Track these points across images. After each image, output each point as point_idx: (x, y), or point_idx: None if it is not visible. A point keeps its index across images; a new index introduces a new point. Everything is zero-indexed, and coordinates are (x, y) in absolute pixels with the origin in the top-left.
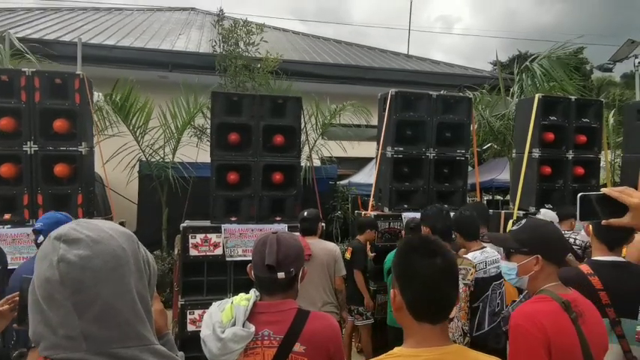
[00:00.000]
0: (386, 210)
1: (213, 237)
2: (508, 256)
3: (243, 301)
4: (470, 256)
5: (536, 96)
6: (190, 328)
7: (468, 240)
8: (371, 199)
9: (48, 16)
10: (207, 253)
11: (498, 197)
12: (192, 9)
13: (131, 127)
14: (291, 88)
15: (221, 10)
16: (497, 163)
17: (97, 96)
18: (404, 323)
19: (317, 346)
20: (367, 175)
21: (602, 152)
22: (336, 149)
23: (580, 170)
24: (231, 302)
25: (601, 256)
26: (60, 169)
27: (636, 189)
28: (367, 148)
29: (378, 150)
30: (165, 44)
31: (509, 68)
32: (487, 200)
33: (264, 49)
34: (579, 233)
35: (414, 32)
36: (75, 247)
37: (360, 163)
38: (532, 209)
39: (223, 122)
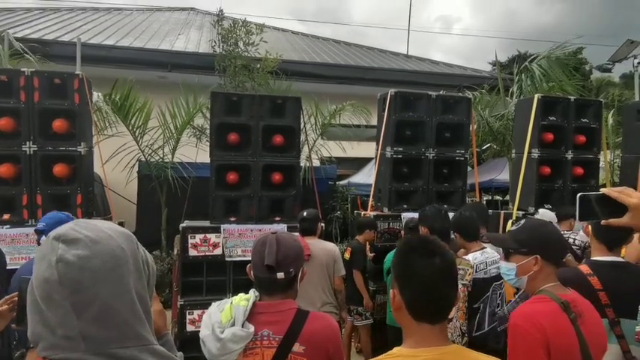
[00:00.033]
0: (385, 210)
1: (212, 237)
2: (507, 257)
3: (243, 301)
4: (470, 256)
5: (536, 96)
6: (189, 328)
7: (468, 240)
8: (370, 199)
9: (47, 16)
10: (207, 254)
11: (498, 197)
12: (192, 9)
13: (130, 127)
14: (290, 88)
15: (221, 11)
16: (496, 164)
17: (97, 96)
18: (403, 323)
19: (316, 346)
20: (366, 176)
21: (602, 152)
22: (335, 149)
23: (579, 170)
24: (231, 302)
25: (600, 257)
26: (59, 169)
27: (635, 189)
28: (366, 149)
29: (377, 150)
30: (165, 44)
31: (509, 68)
32: (486, 200)
33: (263, 49)
34: (578, 233)
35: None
36: (74, 248)
37: (360, 163)
38: (531, 209)
39: (223, 122)
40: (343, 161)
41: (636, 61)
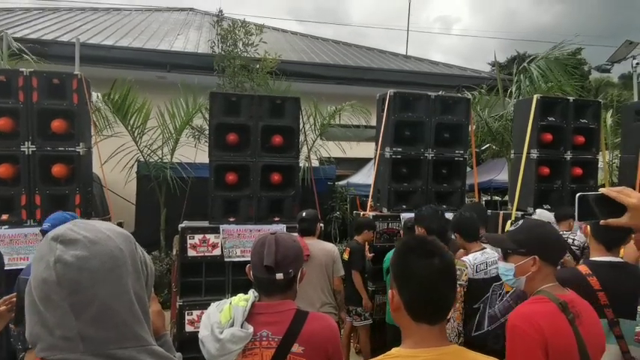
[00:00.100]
0: (384, 210)
1: (211, 237)
2: (505, 257)
3: (242, 301)
4: (470, 257)
5: (535, 97)
6: (188, 328)
7: (468, 241)
8: (369, 199)
9: (46, 16)
10: (206, 254)
11: (497, 198)
12: (191, 9)
13: (129, 128)
14: (289, 88)
15: (220, 11)
16: (495, 164)
17: (95, 96)
18: (402, 324)
19: (315, 346)
20: (366, 176)
21: (600, 153)
22: (334, 150)
23: (578, 171)
24: (230, 303)
25: (599, 257)
26: (58, 169)
27: (634, 189)
28: (366, 149)
29: (376, 150)
30: (164, 44)
31: (508, 69)
32: (485, 201)
33: (262, 50)
34: (577, 233)
35: (412, 33)
36: (72, 248)
37: (359, 163)
38: (530, 210)
39: (222, 123)
40: (342, 161)
41: (635, 61)
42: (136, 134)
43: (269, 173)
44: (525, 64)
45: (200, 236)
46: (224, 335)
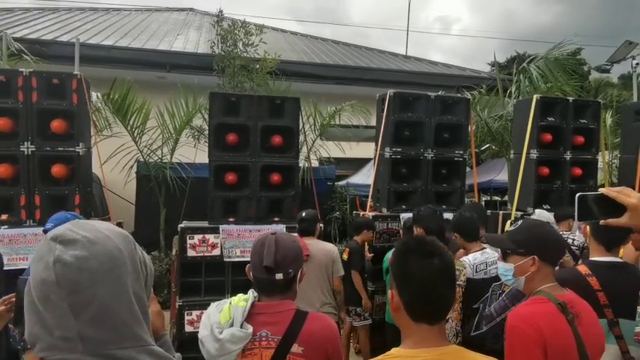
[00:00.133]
0: (384, 210)
1: (211, 238)
2: (504, 257)
3: (242, 301)
4: (470, 257)
5: (534, 97)
6: (188, 329)
7: (468, 241)
8: (369, 199)
9: (46, 16)
10: (205, 254)
11: (496, 198)
12: (191, 9)
13: (129, 128)
14: (289, 88)
15: (220, 11)
16: (495, 164)
17: (95, 96)
18: (402, 324)
19: (315, 347)
20: (365, 176)
21: (600, 153)
22: (334, 150)
23: (578, 171)
24: (230, 303)
25: (599, 257)
26: (57, 169)
27: (634, 189)
28: (365, 149)
29: (376, 151)
30: (163, 45)
31: (508, 69)
32: (485, 201)
33: (262, 50)
34: (576, 233)
35: (412, 33)
36: (71, 248)
37: (359, 163)
38: (530, 210)
39: (221, 123)
40: (342, 162)
41: (634, 62)
42: (135, 134)
43: (269, 173)
44: (525, 64)
45: (200, 236)
46: (223, 335)
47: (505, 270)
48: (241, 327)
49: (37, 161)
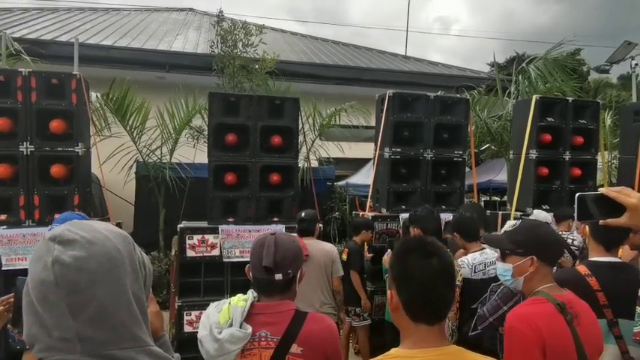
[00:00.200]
0: (383, 211)
1: (210, 238)
2: (503, 258)
3: (241, 302)
4: (469, 257)
5: (534, 97)
6: (187, 329)
7: (467, 241)
8: (368, 199)
9: (45, 16)
10: (205, 254)
11: (496, 198)
12: (190, 10)
13: (128, 128)
14: (289, 89)
15: (220, 11)
16: (494, 164)
17: (94, 96)
18: (401, 324)
19: (314, 347)
20: (365, 176)
21: (599, 153)
22: (333, 150)
23: (577, 171)
24: (229, 303)
25: (598, 257)
26: (56, 169)
27: (633, 189)
28: (365, 149)
29: (375, 151)
30: (163, 45)
31: (507, 69)
32: (484, 201)
33: (261, 50)
34: (574, 233)
35: (411, 33)
36: (70, 249)
37: (358, 164)
38: (529, 210)
39: (221, 123)
40: (341, 162)
41: (634, 62)
42: (134, 134)
43: (268, 173)
44: (524, 64)
45: (199, 236)
46: (223, 335)
47: (504, 270)
48: (240, 327)
49: (36, 161)
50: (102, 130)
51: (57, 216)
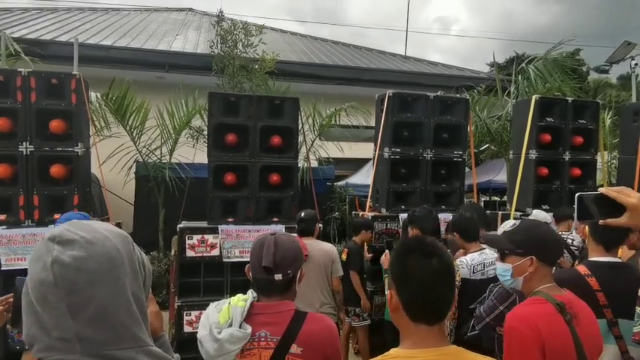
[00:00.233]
0: (383, 211)
1: (210, 238)
2: (502, 258)
3: (241, 302)
4: (468, 257)
5: (533, 97)
6: (187, 329)
7: (467, 241)
8: (368, 200)
9: (44, 16)
10: (204, 254)
11: (495, 198)
12: (190, 10)
13: (128, 128)
14: (289, 89)
15: (221, 12)
16: (494, 165)
17: (94, 96)
18: (400, 324)
19: (314, 347)
20: (364, 176)
21: (599, 153)
22: (333, 150)
23: (577, 171)
24: (229, 303)
25: (598, 257)
26: (56, 169)
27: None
28: (365, 149)
29: (375, 151)
30: (163, 45)
31: (507, 69)
32: (484, 201)
33: (261, 50)
34: (572, 233)
35: (411, 33)
36: (69, 249)
37: (358, 164)
38: (529, 210)
39: (221, 123)
40: (341, 162)
41: (633, 62)
42: (134, 134)
43: (268, 174)
44: (524, 64)
45: (199, 236)
46: (222, 335)
47: (503, 270)
48: (240, 327)
49: (35, 161)
50: (101, 130)
51: (57, 217)
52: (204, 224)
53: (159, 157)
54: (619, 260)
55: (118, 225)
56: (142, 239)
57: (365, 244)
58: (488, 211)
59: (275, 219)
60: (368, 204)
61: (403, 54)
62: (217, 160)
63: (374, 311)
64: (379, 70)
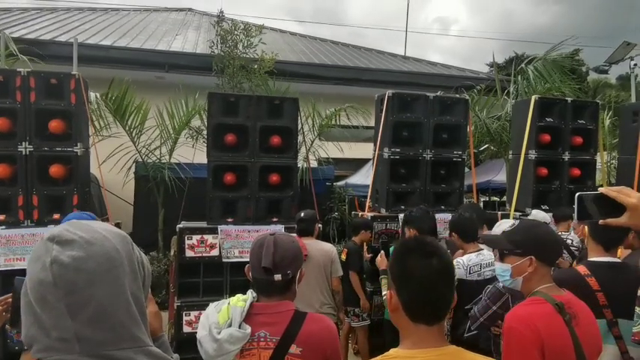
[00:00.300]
0: (383, 211)
1: (209, 238)
2: (502, 258)
3: (240, 302)
4: (465, 258)
5: (533, 98)
6: (186, 329)
7: (465, 241)
8: (368, 200)
9: (44, 16)
10: (204, 254)
11: (495, 198)
12: (189, 10)
13: (127, 128)
14: (288, 89)
15: (221, 12)
16: (493, 165)
17: (94, 96)
18: (400, 324)
19: (313, 348)
20: (364, 177)
21: (598, 154)
22: (333, 150)
23: (576, 171)
24: (228, 303)
25: (597, 257)
26: (55, 169)
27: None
28: (364, 149)
29: (374, 151)
30: (162, 45)
31: (507, 70)
32: (484, 202)
33: (260, 50)
34: (571, 233)
35: (411, 33)
36: (68, 249)
37: (357, 164)
38: (529, 210)
39: (220, 123)
40: (341, 162)
41: (632, 62)
42: (134, 134)
43: (267, 174)
44: (523, 65)
45: (198, 237)
46: (222, 335)
47: (502, 270)
48: (240, 327)
49: (34, 161)
50: (101, 130)
51: (57, 217)
52: (203, 224)
53: (158, 157)
54: (619, 260)
55: (118, 225)
56: (142, 239)
57: (364, 244)
58: (487, 212)
59: (274, 219)
60: (367, 204)
61: (403, 54)
62: (217, 160)
63: (373, 311)
64: (379, 70)
